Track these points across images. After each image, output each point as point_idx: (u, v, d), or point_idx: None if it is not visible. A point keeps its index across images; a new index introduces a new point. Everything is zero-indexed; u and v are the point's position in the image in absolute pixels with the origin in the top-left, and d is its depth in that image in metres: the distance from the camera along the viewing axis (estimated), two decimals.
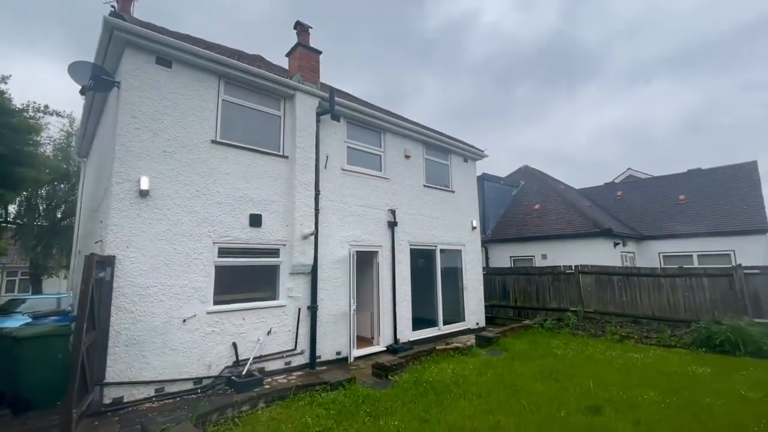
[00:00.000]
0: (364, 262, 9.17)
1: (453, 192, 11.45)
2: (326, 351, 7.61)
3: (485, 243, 15.96)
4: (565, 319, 10.96)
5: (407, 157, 10.12)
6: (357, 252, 8.44)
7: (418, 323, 9.72)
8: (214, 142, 6.59)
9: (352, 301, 7.95)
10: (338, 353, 7.78)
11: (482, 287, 11.96)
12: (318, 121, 8.02)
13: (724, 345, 7.76)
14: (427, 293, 10.33)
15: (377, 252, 9.04)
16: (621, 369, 6.65)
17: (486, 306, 12.26)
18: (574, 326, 10.52)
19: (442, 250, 10.71)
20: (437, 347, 7.94)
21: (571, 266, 11.79)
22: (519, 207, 17.25)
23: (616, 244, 13.41)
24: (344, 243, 8.28)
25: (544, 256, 14.25)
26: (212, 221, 6.40)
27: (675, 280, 9.82)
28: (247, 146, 7.03)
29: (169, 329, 5.72)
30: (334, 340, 7.77)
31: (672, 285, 9.84)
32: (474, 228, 11.90)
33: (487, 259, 15.94)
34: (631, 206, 17.21)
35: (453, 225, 11.20)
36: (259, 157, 7.17)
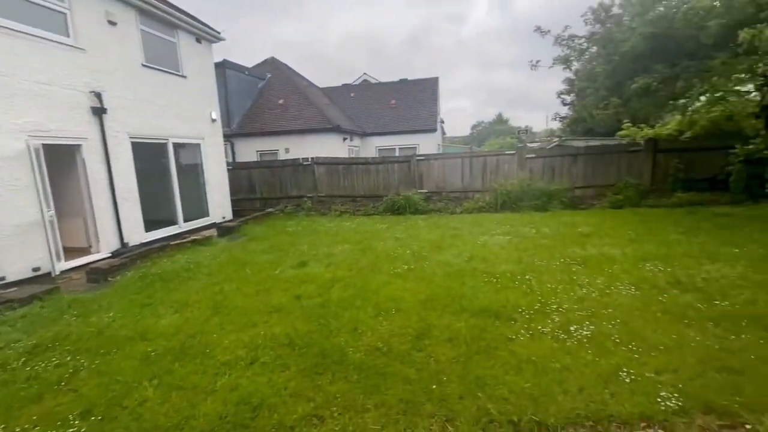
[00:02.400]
0: (65, 158, 7.33)
1: (185, 77, 10.15)
2: (15, 269, 6.14)
3: (231, 137, 15.50)
4: (302, 204, 12.77)
5: (112, 23, 7.97)
6: (44, 145, 6.59)
7: (154, 224, 9.05)
8: None
9: (44, 206, 6.43)
10: (36, 269, 6.43)
11: (227, 182, 12.01)
12: None
13: (400, 209, 11.31)
14: (163, 191, 9.53)
15: (80, 146, 7.33)
16: (332, 234, 8.73)
17: (234, 200, 12.54)
18: (309, 209, 12.49)
19: (178, 144, 9.78)
20: (171, 243, 7.83)
21: (308, 158, 13.35)
22: (265, 101, 17.24)
23: (344, 139, 15.98)
24: (18, 133, 6.24)
25: (287, 150, 15.38)
26: None
27: (378, 167, 12.95)
28: None
29: None
30: (26, 254, 6.30)
31: (376, 170, 12.97)
32: (214, 120, 11.26)
33: (233, 153, 15.71)
34: (360, 107, 20.33)
35: (189, 116, 10.20)
36: None
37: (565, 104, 10.17)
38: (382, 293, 4.66)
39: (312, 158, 13.32)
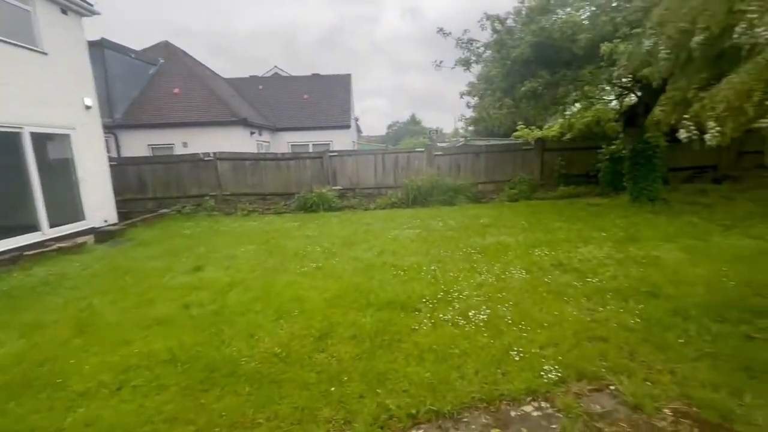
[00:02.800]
0: None
1: (45, 54, 8.42)
2: None
3: (114, 129, 13.45)
4: (204, 203, 11.62)
5: None
6: None
7: (3, 231, 7.34)
8: None
9: None
10: None
11: (110, 179, 10.34)
12: None
13: (312, 206, 10.94)
14: (17, 191, 7.80)
15: None
16: (236, 235, 8.05)
17: (120, 201, 10.84)
18: (211, 209, 11.42)
19: (38, 135, 8.08)
20: (27, 253, 6.44)
21: (210, 153, 12.19)
22: (158, 89, 15.32)
23: (252, 133, 14.99)
24: None
25: (185, 144, 13.87)
26: None
27: (290, 163, 12.39)
28: None
29: None
30: None
31: (287, 167, 12.39)
32: (89, 107, 9.57)
33: (118, 147, 13.66)
34: (270, 100, 19.29)
35: (52, 101, 8.50)
36: None
37: (468, 106, 10.86)
38: (286, 294, 4.36)
39: (214, 153, 12.20)
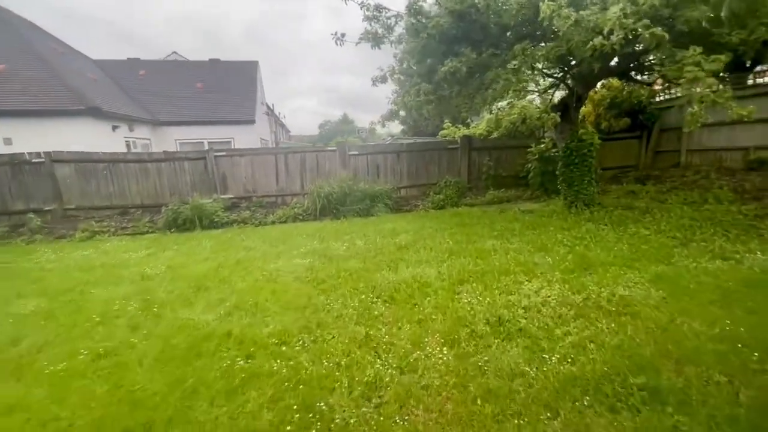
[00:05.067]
0: None
1: None
2: None
3: None
4: (28, 223, 8.33)
5: None
6: None
7: None
8: None
9: None
10: None
11: None
12: None
13: (186, 223, 8.29)
14: None
15: None
16: (34, 276, 5.26)
17: None
18: (35, 231, 8.17)
19: None
20: None
21: (41, 153, 8.86)
22: None
23: (115, 128, 11.67)
24: None
25: (8, 141, 10.18)
26: None
27: (161, 165, 9.53)
28: None
29: None
30: None
31: (158, 170, 9.52)
32: None
33: None
34: (155, 88, 15.79)
35: None
36: None
37: (387, 98, 9.08)
38: None
39: (48, 153, 8.90)
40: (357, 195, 9.15)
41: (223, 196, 9.64)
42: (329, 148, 10.61)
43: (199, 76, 16.65)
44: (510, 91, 7.46)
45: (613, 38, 4.11)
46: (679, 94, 11.80)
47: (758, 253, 4.51)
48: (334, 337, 3.15)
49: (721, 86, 4.69)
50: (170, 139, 14.45)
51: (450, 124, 15.55)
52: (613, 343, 2.79)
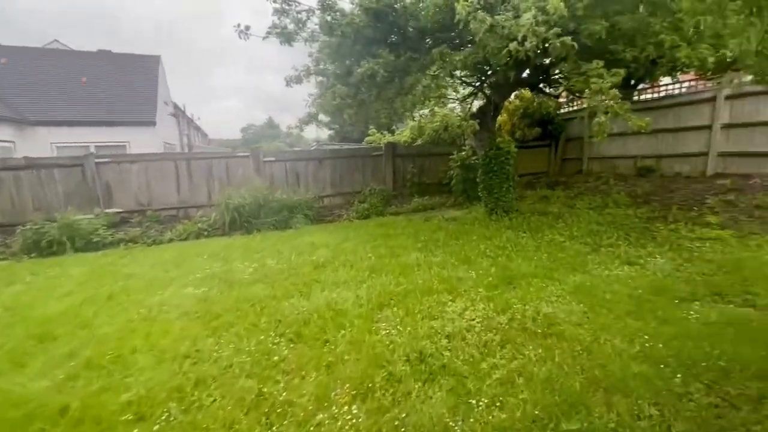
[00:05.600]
0: None
1: None
2: None
3: None
4: None
5: None
6: None
7: None
8: None
9: None
10: None
11: None
12: None
13: (53, 246, 6.71)
14: None
15: None
16: None
17: None
18: None
19: None
20: None
21: None
22: None
23: None
24: None
25: None
26: None
27: (20, 174, 7.68)
28: None
29: None
30: None
31: (17, 180, 7.66)
32: None
33: None
34: (20, 81, 13.06)
35: None
36: None
37: (305, 101, 8.40)
38: None
39: None
40: (273, 206, 8.30)
41: (108, 211, 8.10)
42: (241, 154, 9.56)
43: (83, 69, 14.17)
44: (431, 98, 7.30)
45: (528, 45, 4.02)
46: (581, 107, 12.95)
47: (657, 257, 4.76)
48: (215, 400, 2.43)
49: (620, 99, 4.92)
50: (44, 143, 11.98)
51: (375, 131, 15.33)
52: (541, 375, 2.51)
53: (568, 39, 4.07)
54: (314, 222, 8.65)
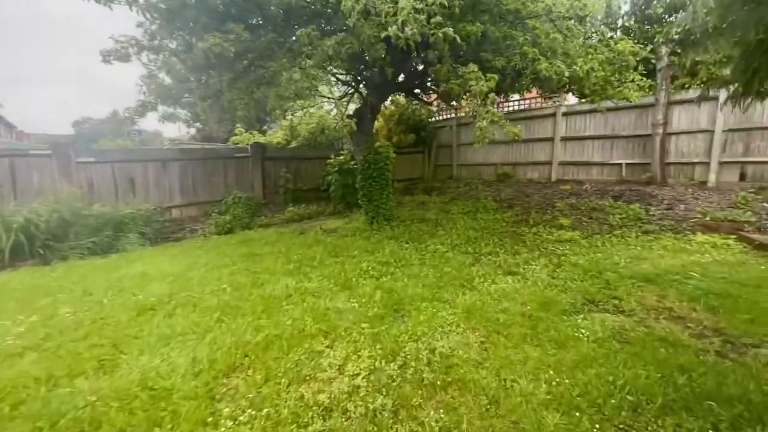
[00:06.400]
0: None
1: None
2: None
3: None
4: None
5: None
6: None
7: None
8: None
9: None
10: None
11: None
12: None
13: None
14: None
15: None
16: None
17: None
18: None
19: None
20: None
21: None
22: None
23: None
24: None
25: None
26: None
27: None
28: None
29: None
30: None
31: None
32: None
33: None
34: None
35: None
36: None
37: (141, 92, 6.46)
38: None
39: None
40: (90, 222, 6.13)
41: None
42: (37, 152, 6.90)
43: None
44: (303, 94, 6.34)
45: (408, 31, 3.45)
46: (450, 117, 13.67)
47: (533, 263, 4.79)
48: None
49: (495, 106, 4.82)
50: None
51: (243, 130, 13.52)
52: None
53: (450, 30, 3.66)
54: (155, 242, 6.74)
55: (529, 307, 3.52)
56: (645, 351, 2.74)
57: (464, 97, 4.90)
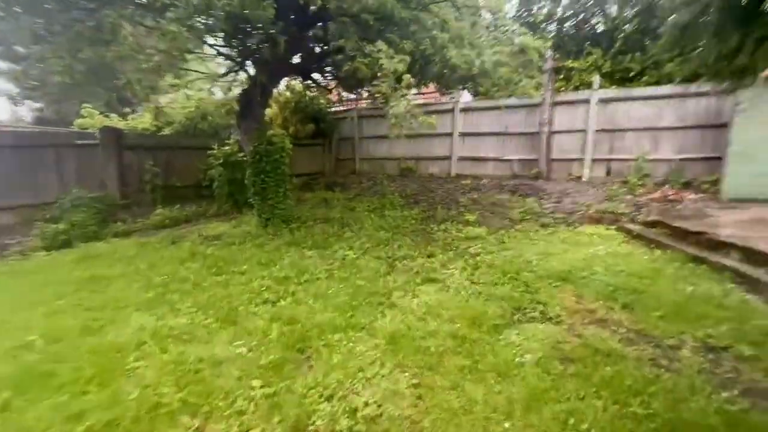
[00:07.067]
0: None
1: None
2: None
3: None
4: None
5: None
6: None
7: None
8: None
9: None
10: None
11: None
12: None
13: None
14: None
15: None
16: None
17: None
18: None
19: None
20: None
21: None
22: None
23: None
24: None
25: None
26: None
27: None
28: None
29: None
30: None
31: None
32: None
33: None
34: None
35: None
36: None
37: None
38: None
39: None
40: None
41: None
42: None
43: None
44: (166, 61, 4.85)
45: None
46: (350, 108, 12.97)
47: (450, 267, 4.40)
48: None
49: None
50: None
51: (95, 112, 10.70)
52: None
53: None
54: None
55: (458, 325, 3.02)
56: (588, 370, 2.44)
57: (375, 81, 4.22)
